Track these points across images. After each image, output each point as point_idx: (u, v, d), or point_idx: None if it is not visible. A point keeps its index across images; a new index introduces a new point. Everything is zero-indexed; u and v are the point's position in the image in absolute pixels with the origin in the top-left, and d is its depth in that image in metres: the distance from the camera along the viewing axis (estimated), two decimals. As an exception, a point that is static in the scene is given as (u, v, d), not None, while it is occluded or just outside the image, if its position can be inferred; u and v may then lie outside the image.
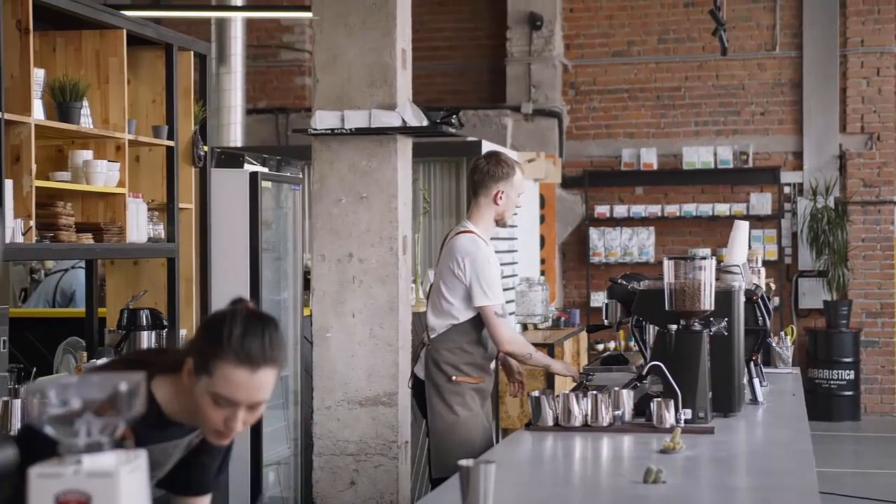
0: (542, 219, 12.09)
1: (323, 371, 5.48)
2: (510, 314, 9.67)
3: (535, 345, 8.85)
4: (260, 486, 6.00)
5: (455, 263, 4.88)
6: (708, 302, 4.36)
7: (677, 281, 4.37)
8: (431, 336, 4.96)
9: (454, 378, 4.91)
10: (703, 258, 4.42)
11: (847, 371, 11.97)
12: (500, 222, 5.05)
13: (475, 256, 4.86)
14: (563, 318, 10.67)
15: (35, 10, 4.59)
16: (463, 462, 2.72)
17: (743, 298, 4.68)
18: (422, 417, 5.17)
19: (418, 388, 5.07)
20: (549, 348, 9.01)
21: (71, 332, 5.82)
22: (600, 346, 11.40)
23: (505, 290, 9.20)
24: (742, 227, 5.62)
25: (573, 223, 12.81)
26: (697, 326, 4.38)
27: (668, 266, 4.41)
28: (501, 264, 9.21)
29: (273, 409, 6.47)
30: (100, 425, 1.76)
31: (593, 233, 12.69)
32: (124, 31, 5.01)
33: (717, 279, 5.02)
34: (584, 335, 10.97)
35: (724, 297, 4.51)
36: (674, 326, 4.37)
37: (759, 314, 5.00)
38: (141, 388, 1.82)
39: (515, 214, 5.21)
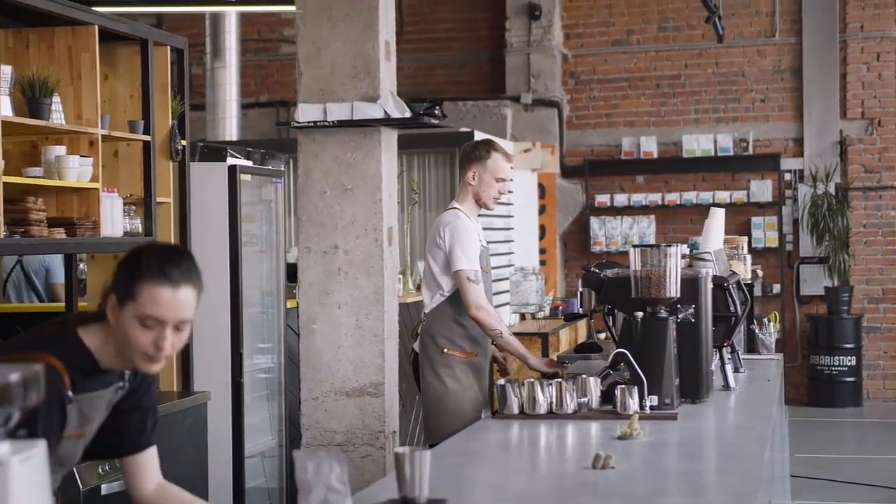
0: (543, 209, 12.11)
1: (310, 362, 5.51)
2: (505, 304, 9.69)
3: (530, 334, 8.99)
4: (242, 477, 6.04)
5: (437, 234, 5.16)
6: (673, 289, 4.38)
7: (643, 268, 4.39)
8: (426, 311, 5.21)
9: (445, 350, 5.13)
10: (669, 246, 4.43)
11: (849, 357, 11.94)
12: (479, 203, 5.27)
13: (454, 225, 5.13)
14: (561, 308, 10.66)
15: (6, 8, 4.62)
16: (398, 449, 2.75)
17: (711, 285, 4.68)
18: (418, 391, 5.40)
19: (416, 362, 5.29)
20: (544, 338, 9.02)
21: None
22: (602, 335, 11.37)
23: (500, 280, 9.31)
24: (717, 215, 5.63)
25: (574, 212, 12.81)
26: (663, 313, 4.39)
27: (634, 254, 4.44)
28: (497, 254, 9.29)
29: (258, 399, 6.52)
30: (-7, 415, 1.79)
31: (594, 222, 12.69)
32: (96, 27, 5.04)
33: (689, 266, 5.04)
34: (582, 325, 10.97)
35: (691, 285, 4.53)
36: (640, 314, 4.39)
37: (730, 301, 5.00)
38: (40, 378, 1.86)
39: (499, 199, 5.38)
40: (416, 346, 5.33)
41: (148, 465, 2.96)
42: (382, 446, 5.54)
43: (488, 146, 5.33)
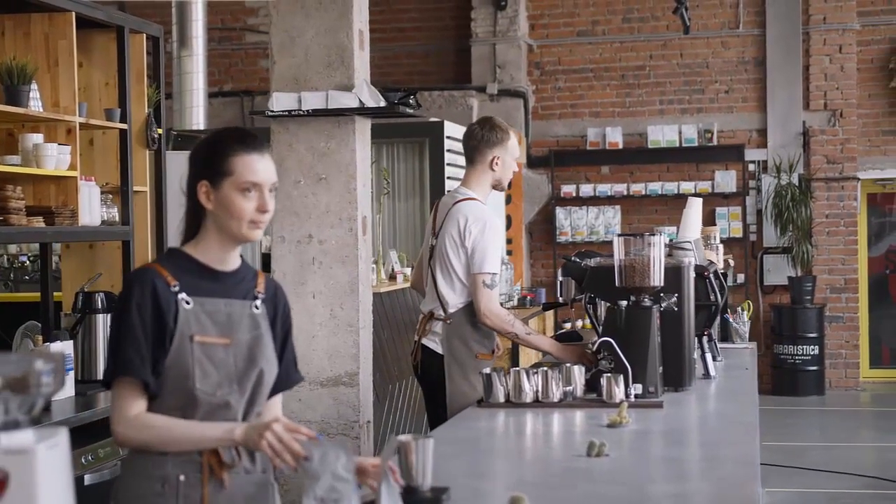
0: (509, 199, 12.13)
1: (284, 352, 5.48)
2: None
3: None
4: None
5: (462, 229, 4.84)
6: (657, 278, 4.40)
7: (627, 258, 4.41)
8: (450, 311, 4.87)
9: (478, 355, 4.89)
10: (652, 235, 4.45)
11: (811, 346, 12.07)
12: (497, 187, 5.01)
13: (483, 223, 4.83)
14: (529, 298, 10.70)
15: (-18, -6, 4.57)
16: (401, 437, 2.74)
17: (693, 274, 4.71)
18: (426, 387, 5.05)
19: (428, 359, 4.96)
20: (514, 327, 9.03)
21: (32, 315, 5.80)
22: (568, 325, 11.43)
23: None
24: (695, 204, 5.66)
25: (539, 203, 12.84)
26: (647, 302, 4.41)
27: (617, 243, 4.45)
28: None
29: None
30: (17, 403, 1.77)
31: (560, 212, 12.73)
32: (73, 13, 4.98)
33: (669, 255, 5.06)
34: (549, 314, 11.02)
35: (674, 274, 4.55)
36: (624, 303, 4.40)
37: (710, 290, 5.03)
38: (60, 365, 1.84)
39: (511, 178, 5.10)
40: (429, 343, 4.95)
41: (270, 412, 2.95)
42: (357, 436, 5.54)
43: (502, 126, 4.98)
